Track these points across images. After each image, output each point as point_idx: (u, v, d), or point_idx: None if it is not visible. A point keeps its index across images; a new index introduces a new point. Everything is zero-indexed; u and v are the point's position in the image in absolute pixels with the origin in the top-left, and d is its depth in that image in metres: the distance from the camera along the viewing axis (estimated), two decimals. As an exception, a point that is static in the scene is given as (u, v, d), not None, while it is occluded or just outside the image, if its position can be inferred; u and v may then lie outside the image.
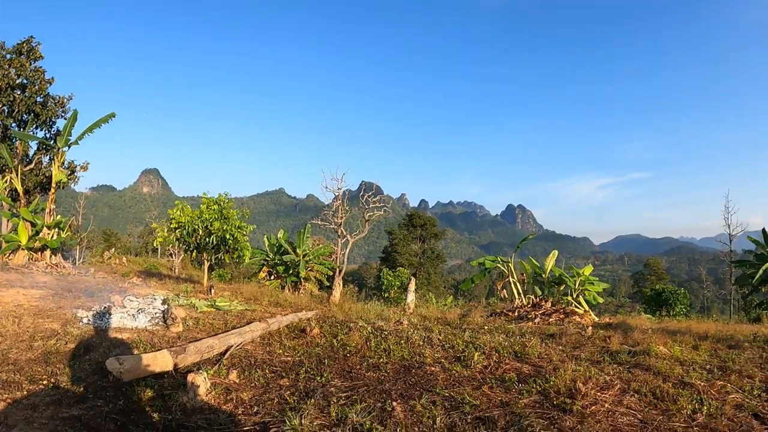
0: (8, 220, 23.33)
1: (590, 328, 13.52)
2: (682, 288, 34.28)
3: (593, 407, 6.46)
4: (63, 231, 23.76)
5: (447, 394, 7.04)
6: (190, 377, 6.53)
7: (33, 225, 22.32)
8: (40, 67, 30.04)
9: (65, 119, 27.97)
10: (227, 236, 18.05)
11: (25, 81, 29.41)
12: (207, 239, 18.04)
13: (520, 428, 5.74)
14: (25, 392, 6.37)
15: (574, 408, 6.38)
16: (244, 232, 18.94)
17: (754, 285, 25.93)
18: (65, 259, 24.17)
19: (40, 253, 22.04)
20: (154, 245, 18.98)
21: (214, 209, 18.07)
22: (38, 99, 29.63)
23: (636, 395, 7.08)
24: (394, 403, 6.49)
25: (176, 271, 42.06)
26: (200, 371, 6.95)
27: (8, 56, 29.10)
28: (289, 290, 25.91)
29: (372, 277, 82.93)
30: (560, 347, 10.67)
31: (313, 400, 6.54)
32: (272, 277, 27.83)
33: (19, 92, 29.04)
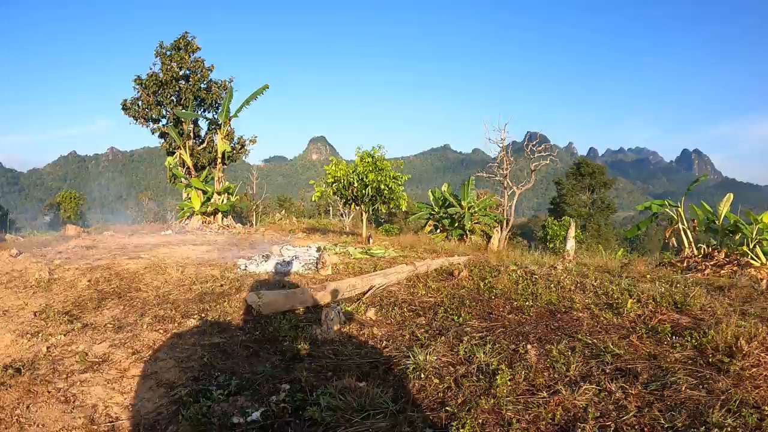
0: (184, 191, 26.02)
1: (765, 281, 12.29)
2: None
3: (754, 369, 5.71)
4: (232, 196, 25.79)
5: (589, 341, 6.64)
6: (324, 311, 6.79)
7: (204, 193, 24.51)
8: (199, 57, 33.10)
9: (227, 98, 30.49)
10: (382, 186, 18.51)
11: (187, 72, 32.60)
12: (363, 191, 18.60)
13: (663, 384, 5.26)
14: (177, 324, 7.04)
15: (730, 368, 5.69)
16: (399, 182, 19.34)
17: None
18: (243, 224, 26.24)
19: (213, 216, 24.20)
20: (312, 200, 20.22)
21: (368, 162, 18.57)
22: (202, 86, 32.91)
23: (806, 360, 6.16)
24: (529, 346, 6.23)
25: (347, 229, 43.69)
26: (336, 306, 7.15)
27: (168, 53, 32.25)
28: (455, 243, 26.07)
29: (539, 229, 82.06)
30: (728, 300, 9.60)
31: (443, 338, 6.48)
32: (438, 231, 28.15)
33: (183, 82, 32.27)
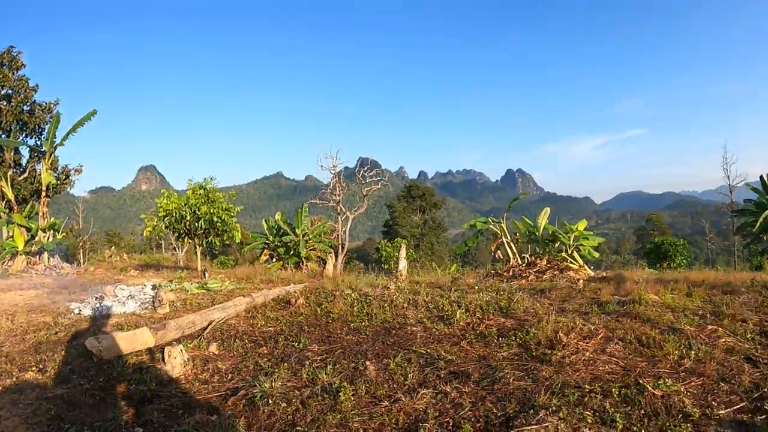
0: (5, 228, 23.70)
1: (581, 281, 13.49)
2: (683, 240, 33.29)
3: (573, 357, 6.44)
4: (58, 233, 24.12)
5: (423, 352, 7.08)
6: (166, 350, 6.66)
7: (28, 230, 22.66)
8: (24, 75, 29.66)
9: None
10: (215, 219, 18.36)
11: (9, 91, 29.07)
12: (196, 224, 18.32)
13: (493, 380, 5.75)
14: (14, 379, 6.55)
15: (552, 358, 6.38)
16: (232, 214, 19.33)
17: (755, 233, 25.58)
18: (69, 263, 24.50)
19: (38, 256, 22.35)
20: (143, 235, 19.53)
21: (200, 194, 18.34)
22: (25, 107, 29.28)
23: (620, 343, 6.98)
24: (368, 363, 6.55)
25: (181, 263, 42.40)
26: (178, 344, 7.06)
27: None
28: (292, 271, 26.08)
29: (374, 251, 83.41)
30: (549, 301, 10.57)
31: (286, 365, 6.63)
32: (274, 260, 27.96)
33: (5, 103, 28.66)
